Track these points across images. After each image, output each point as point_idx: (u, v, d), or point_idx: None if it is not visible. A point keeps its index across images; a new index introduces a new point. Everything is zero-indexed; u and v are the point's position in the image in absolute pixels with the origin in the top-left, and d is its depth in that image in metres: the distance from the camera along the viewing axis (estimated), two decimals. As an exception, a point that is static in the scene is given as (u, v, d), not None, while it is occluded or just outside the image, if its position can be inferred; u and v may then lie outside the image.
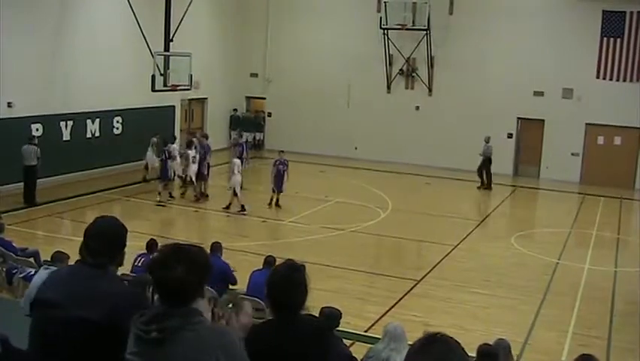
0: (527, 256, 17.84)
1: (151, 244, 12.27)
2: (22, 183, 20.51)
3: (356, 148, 31.27)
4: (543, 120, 28.97)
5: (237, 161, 21.62)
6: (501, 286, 15.28)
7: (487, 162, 26.48)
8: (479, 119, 29.16)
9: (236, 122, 33.41)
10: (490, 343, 8.13)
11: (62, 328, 3.47)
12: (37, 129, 22.00)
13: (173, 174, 22.33)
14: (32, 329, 3.72)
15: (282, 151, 22.39)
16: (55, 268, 4.57)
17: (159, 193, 21.74)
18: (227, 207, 20.95)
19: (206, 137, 23.97)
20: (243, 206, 20.83)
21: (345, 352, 7.79)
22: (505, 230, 21.20)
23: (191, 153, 21.96)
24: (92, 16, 24.50)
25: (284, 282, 3.96)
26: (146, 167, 24.51)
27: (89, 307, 3.42)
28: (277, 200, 21.47)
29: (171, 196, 22.20)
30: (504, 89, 28.80)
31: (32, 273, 11.24)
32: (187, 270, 3.21)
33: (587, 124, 28.39)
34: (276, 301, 3.99)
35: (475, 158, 27.10)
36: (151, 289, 3.57)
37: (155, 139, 24.28)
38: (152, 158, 24.22)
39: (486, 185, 26.46)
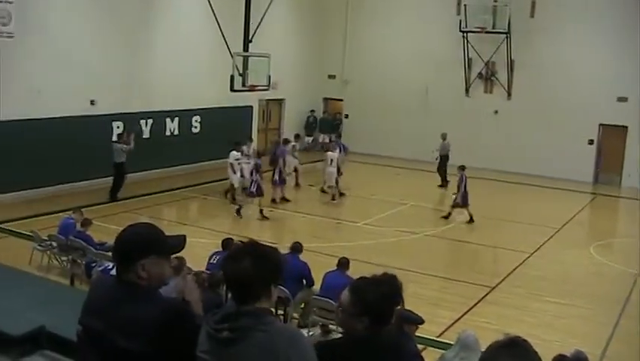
0: (606, 266, 17.39)
1: (226, 243, 12.40)
2: (101, 180, 21.29)
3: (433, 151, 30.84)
4: (626, 127, 28.16)
5: (334, 154, 22.90)
6: (578, 296, 14.91)
7: (445, 159, 26.11)
8: (559, 124, 28.55)
9: (313, 124, 33.55)
10: (567, 354, 7.92)
11: (108, 359, 3.34)
12: (117, 127, 22.54)
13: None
14: (80, 357, 3.57)
15: (462, 167, 21.20)
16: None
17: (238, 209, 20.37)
18: (333, 199, 22.63)
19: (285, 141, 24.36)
20: (341, 193, 23.01)
21: (414, 350, 7.40)
22: (584, 238, 20.68)
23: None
24: (173, 16, 25.02)
25: (377, 295, 3.54)
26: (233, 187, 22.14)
27: (131, 337, 3.25)
28: (470, 216, 20.95)
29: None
30: (586, 94, 28.06)
31: (110, 267, 11.53)
32: (253, 264, 3.19)
33: (672, 131, 27.52)
34: (370, 314, 3.54)
35: (554, 163, 26.45)
36: (225, 288, 3.51)
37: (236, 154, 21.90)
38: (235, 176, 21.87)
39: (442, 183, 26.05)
